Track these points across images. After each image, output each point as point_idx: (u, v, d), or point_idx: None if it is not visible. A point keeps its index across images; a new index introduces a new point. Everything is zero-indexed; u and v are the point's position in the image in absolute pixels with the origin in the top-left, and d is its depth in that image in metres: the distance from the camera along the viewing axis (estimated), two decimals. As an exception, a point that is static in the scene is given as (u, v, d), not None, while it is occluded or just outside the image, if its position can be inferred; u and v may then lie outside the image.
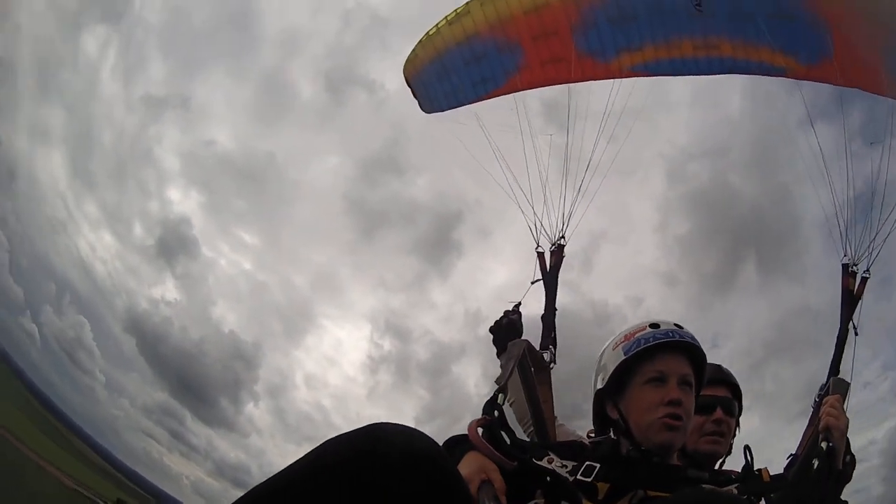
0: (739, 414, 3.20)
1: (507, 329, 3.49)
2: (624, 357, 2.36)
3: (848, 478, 2.50)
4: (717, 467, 3.00)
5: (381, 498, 1.35)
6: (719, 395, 3.07)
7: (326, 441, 1.48)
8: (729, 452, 3.09)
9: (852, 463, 2.55)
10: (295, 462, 1.47)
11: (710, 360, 2.50)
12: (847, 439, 2.55)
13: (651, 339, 2.33)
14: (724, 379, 3.18)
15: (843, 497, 2.47)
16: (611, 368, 2.40)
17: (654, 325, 2.39)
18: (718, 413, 3.02)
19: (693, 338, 2.38)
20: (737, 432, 3.17)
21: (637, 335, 2.38)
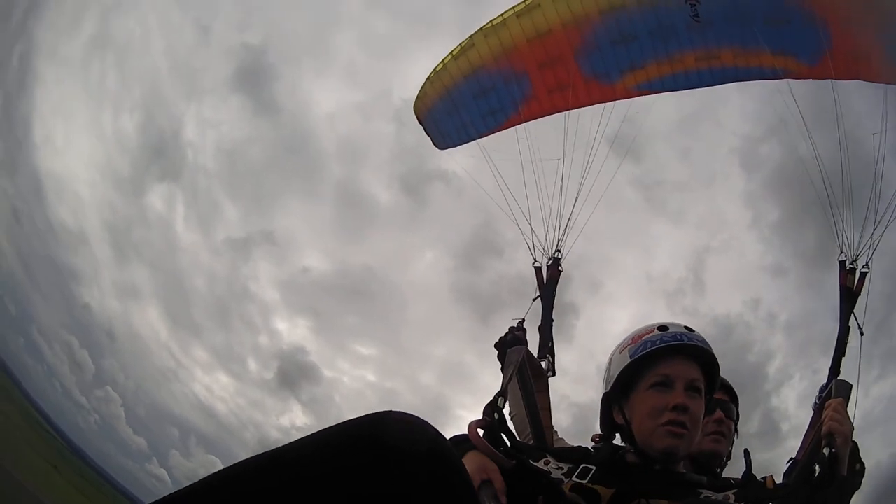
0: (738, 420, 3.19)
1: (511, 344, 3.43)
2: (630, 360, 2.28)
3: (857, 486, 2.41)
4: (719, 471, 2.98)
5: (384, 486, 1.26)
6: (718, 398, 2.99)
7: (334, 424, 1.38)
8: (729, 458, 3.07)
9: (862, 471, 2.46)
10: (297, 441, 1.36)
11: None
12: (856, 445, 2.45)
13: (658, 342, 2.26)
14: (723, 384, 3.12)
15: None
16: (616, 372, 2.33)
17: (663, 328, 2.31)
18: (719, 414, 3.01)
19: (703, 341, 2.30)
20: (735, 437, 3.16)
21: (644, 338, 2.30)
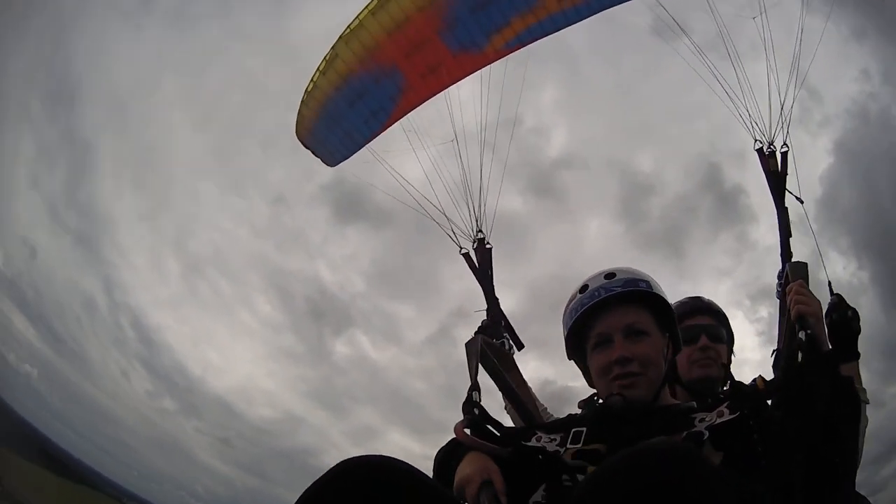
0: (731, 341, 3.15)
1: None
2: (566, 333, 2.33)
3: (857, 331, 2.48)
4: (720, 394, 2.96)
5: None
6: (702, 322, 3.04)
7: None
8: (726, 380, 3.03)
9: (855, 317, 2.49)
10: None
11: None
12: (840, 296, 2.56)
13: (580, 308, 2.26)
14: (706, 307, 3.14)
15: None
16: (565, 341, 2.38)
17: (584, 288, 2.29)
18: (703, 340, 2.99)
19: (627, 283, 2.24)
20: (732, 358, 3.12)
21: (571, 306, 2.31)
